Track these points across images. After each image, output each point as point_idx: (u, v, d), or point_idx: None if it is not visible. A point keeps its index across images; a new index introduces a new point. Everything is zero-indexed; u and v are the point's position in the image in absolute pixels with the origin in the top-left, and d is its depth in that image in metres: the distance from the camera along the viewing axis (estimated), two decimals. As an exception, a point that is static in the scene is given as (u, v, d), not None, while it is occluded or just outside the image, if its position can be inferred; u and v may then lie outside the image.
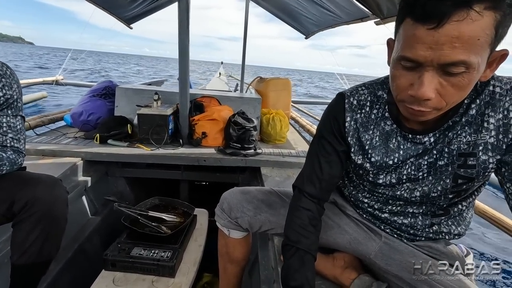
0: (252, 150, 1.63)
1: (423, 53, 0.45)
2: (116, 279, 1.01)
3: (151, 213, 1.27)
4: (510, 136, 0.53)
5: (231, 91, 4.51)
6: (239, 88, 3.98)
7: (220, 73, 6.48)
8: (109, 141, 1.63)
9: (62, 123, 2.07)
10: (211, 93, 2.05)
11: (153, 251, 1.09)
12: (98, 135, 1.63)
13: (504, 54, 0.48)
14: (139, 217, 1.21)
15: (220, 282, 1.02)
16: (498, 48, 0.47)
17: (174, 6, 1.64)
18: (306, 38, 3.25)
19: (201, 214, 1.44)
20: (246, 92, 3.36)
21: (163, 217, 1.27)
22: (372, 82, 0.68)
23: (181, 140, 1.70)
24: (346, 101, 0.68)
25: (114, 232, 1.23)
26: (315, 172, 0.69)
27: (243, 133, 1.63)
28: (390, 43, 0.56)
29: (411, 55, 0.47)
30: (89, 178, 1.52)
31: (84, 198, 1.50)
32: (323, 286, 0.79)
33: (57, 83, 3.88)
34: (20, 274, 0.86)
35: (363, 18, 1.88)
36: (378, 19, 1.69)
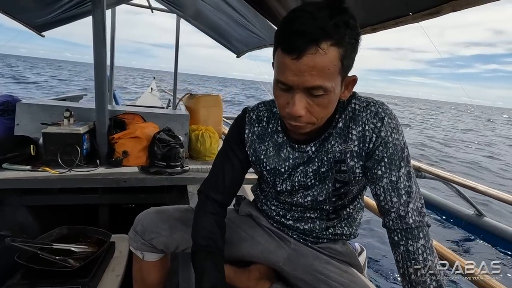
0: (179, 168, 1.59)
1: (291, 78, 0.54)
2: (4, 331, 0.85)
3: (56, 246, 1.11)
4: (367, 145, 0.63)
5: (163, 107, 4.33)
6: (171, 104, 3.86)
7: (152, 88, 6.18)
8: (4, 165, 1.39)
9: None
10: (135, 110, 1.94)
11: (55, 290, 0.95)
12: (-12, 158, 1.38)
13: (354, 79, 0.60)
14: (39, 252, 1.05)
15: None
16: (350, 74, 0.59)
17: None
18: (238, 57, 3.37)
19: (121, 240, 1.32)
20: (177, 108, 3.28)
21: (72, 248, 1.13)
22: (270, 100, 0.76)
23: (98, 161, 1.56)
24: (247, 115, 0.76)
25: (7, 275, 1.04)
26: (218, 178, 0.75)
27: (169, 150, 1.58)
28: (273, 65, 0.63)
29: (283, 79, 0.55)
30: None
31: None
32: None
33: None
34: None
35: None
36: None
